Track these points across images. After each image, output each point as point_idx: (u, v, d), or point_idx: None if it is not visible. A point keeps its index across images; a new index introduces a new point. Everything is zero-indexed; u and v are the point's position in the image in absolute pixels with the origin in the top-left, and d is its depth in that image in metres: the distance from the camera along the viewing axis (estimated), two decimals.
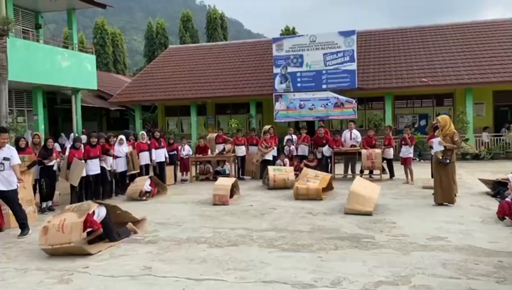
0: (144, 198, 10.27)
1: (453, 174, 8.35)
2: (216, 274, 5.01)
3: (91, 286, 4.80)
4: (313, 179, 9.76)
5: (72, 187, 9.65)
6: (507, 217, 6.81)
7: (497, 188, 8.98)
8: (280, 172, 11.39)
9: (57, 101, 21.93)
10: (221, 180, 9.87)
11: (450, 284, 4.45)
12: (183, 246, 6.29)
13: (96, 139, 10.30)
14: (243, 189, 11.41)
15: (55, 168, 9.47)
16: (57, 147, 12.83)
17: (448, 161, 8.11)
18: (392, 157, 12.25)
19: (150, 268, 5.35)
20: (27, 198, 8.14)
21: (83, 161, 9.62)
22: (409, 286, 4.44)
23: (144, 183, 10.40)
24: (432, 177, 9.35)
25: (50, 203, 9.41)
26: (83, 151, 10.00)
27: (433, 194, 8.48)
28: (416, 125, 19.02)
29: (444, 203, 8.20)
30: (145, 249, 6.18)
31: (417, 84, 17.60)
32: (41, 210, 9.09)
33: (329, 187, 10.21)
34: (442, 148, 8.13)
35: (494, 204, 7.89)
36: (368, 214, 7.58)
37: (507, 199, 7.07)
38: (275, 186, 11.03)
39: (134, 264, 5.52)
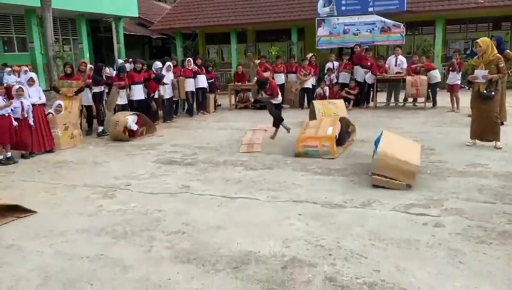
0: (131, 136, 9.09)
1: (499, 107, 7.14)
2: (250, 193, 5.20)
3: (132, 201, 5.13)
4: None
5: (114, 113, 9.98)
6: None
7: None
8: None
9: (100, 30, 22.18)
10: (248, 134, 8.70)
11: (484, 208, 4.40)
12: (220, 168, 6.51)
13: (141, 65, 10.43)
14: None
15: (106, 91, 9.71)
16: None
17: (493, 94, 6.86)
18: (439, 80, 11.61)
19: (188, 186, 5.61)
20: (73, 122, 8.59)
21: (116, 90, 9.69)
22: (441, 209, 4.43)
23: (124, 119, 8.97)
24: None
25: (102, 128, 9.80)
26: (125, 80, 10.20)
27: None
28: (468, 51, 17.83)
29: (487, 140, 7.05)
30: (184, 170, 6.46)
31: (471, 6, 16.24)
32: (97, 134, 9.59)
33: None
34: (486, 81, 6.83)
35: None
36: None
37: None
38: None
39: (173, 183, 5.81)
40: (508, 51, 8.66)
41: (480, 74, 6.85)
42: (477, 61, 7.02)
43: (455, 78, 10.84)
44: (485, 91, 6.88)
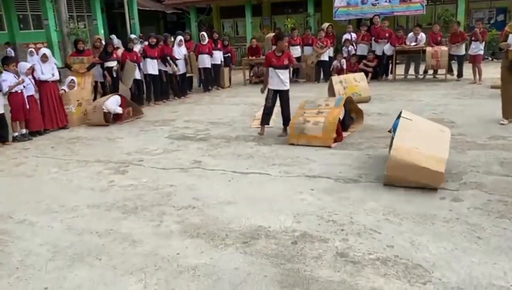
0: (111, 121, 8.25)
1: None
2: (262, 169, 5.10)
3: (144, 176, 5.09)
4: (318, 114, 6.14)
5: (130, 89, 9.95)
6: None
7: None
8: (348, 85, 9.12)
9: (114, 6, 22.03)
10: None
11: (504, 182, 4.21)
12: (232, 143, 6.42)
13: (155, 40, 10.28)
14: (296, 91, 11.21)
15: (115, 68, 9.61)
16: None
17: None
18: (463, 53, 11.16)
19: (199, 162, 5.55)
20: (86, 98, 8.59)
21: (134, 63, 9.64)
22: (459, 183, 4.27)
23: (102, 104, 8.18)
24: None
25: None
26: (138, 52, 10.11)
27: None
28: (492, 21, 17.13)
29: None
30: (196, 146, 6.40)
31: None
32: None
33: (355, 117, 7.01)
34: None
35: None
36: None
37: None
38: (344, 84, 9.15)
39: (185, 158, 5.76)
40: None
41: None
42: None
43: (477, 48, 10.42)
44: None
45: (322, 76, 12.65)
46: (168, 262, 3.13)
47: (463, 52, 11.08)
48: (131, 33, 18.98)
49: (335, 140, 5.90)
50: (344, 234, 3.38)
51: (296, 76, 13.13)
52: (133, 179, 5.01)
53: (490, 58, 14.60)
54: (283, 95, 6.60)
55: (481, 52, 10.57)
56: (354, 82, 9.18)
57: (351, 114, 6.82)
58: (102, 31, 18.66)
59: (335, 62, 12.29)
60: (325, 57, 12.43)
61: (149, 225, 3.76)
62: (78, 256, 3.29)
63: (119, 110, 8.33)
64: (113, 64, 9.45)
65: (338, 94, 8.91)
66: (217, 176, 4.96)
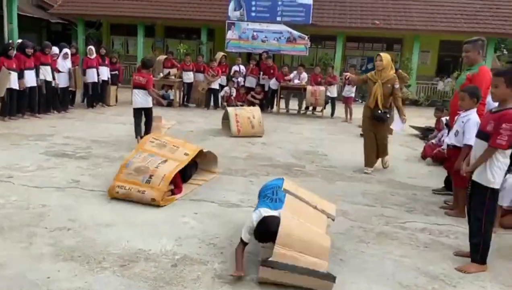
0: None
1: (388, 130, 6.75)
2: None
3: (13, 194, 4.68)
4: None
5: (2, 98, 9.06)
6: (428, 158, 7.31)
7: (426, 133, 9.57)
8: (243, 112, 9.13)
9: None
10: None
11: (365, 210, 4.79)
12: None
13: (32, 50, 9.55)
14: (187, 115, 11.35)
15: None
16: None
17: (388, 116, 6.38)
18: (335, 95, 12.44)
19: (78, 181, 5.29)
20: None
21: (9, 71, 8.78)
22: None
23: None
24: None
25: None
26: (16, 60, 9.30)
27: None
28: (363, 68, 19.36)
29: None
30: (75, 164, 6.08)
31: (369, 26, 17.66)
32: None
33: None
34: None
35: (421, 146, 8.38)
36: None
37: (431, 142, 7.60)
38: (240, 133, 8.75)
39: (61, 177, 5.43)
40: (400, 71, 9.24)
41: (400, 126, 6.63)
42: (374, 76, 6.25)
43: (350, 91, 11.67)
44: (379, 111, 6.20)
45: (212, 102, 12.96)
46: (37, 286, 2.93)
47: (335, 94, 12.37)
48: (8, 39, 17.33)
49: (173, 193, 4.92)
50: (223, 257, 3.52)
51: (186, 101, 13.26)
52: (0, 197, 4.58)
53: (360, 101, 16.38)
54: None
55: (353, 95, 11.89)
56: (251, 130, 8.88)
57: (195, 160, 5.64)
58: None
59: (226, 88, 12.73)
60: (215, 85, 12.80)
61: (17, 247, 3.48)
62: None
63: None
64: None
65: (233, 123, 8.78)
66: (96, 197, 4.78)
